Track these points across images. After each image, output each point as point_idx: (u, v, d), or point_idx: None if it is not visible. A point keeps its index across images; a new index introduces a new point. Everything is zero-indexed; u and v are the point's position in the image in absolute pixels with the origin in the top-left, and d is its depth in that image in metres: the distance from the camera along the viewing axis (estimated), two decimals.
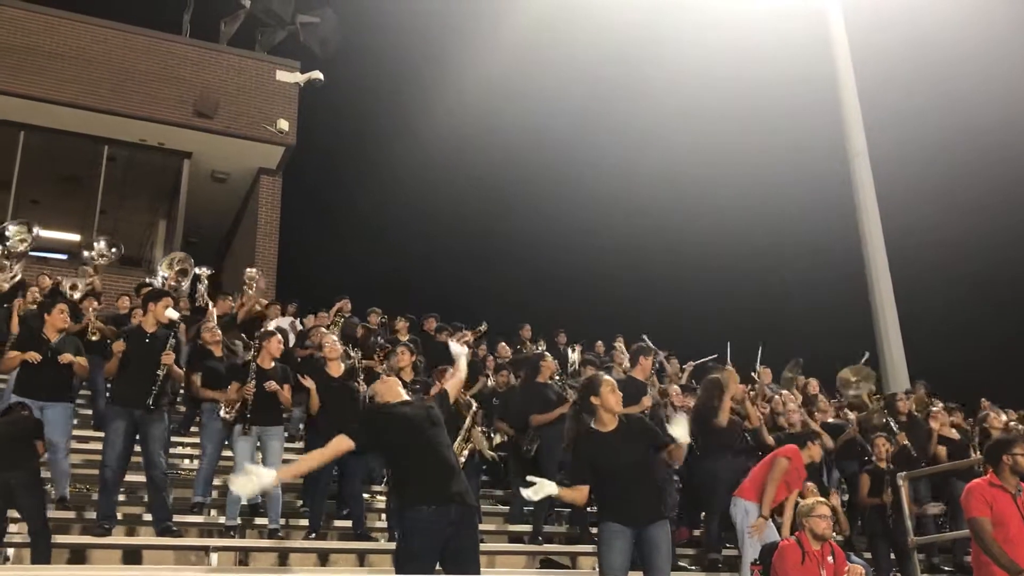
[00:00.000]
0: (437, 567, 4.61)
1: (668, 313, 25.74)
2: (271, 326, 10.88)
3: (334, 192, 28.68)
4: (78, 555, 6.84)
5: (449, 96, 26.87)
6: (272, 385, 7.50)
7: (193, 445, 9.69)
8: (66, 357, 7.30)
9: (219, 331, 8.81)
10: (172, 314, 7.23)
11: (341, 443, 4.86)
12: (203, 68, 17.10)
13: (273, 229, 17.43)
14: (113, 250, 11.77)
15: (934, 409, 10.09)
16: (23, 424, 6.69)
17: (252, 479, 4.60)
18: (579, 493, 5.34)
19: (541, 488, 5.09)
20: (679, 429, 5.43)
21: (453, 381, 5.60)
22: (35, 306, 10.09)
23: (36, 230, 11.46)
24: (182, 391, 9.25)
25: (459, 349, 5.76)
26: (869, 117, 16.02)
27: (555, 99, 28.73)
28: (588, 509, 8.52)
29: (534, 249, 29.16)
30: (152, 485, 6.97)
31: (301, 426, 10.44)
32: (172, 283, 11.14)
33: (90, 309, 9.74)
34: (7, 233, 11.34)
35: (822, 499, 6.50)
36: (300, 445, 10.00)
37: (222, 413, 7.69)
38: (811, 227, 25.63)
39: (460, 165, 28.29)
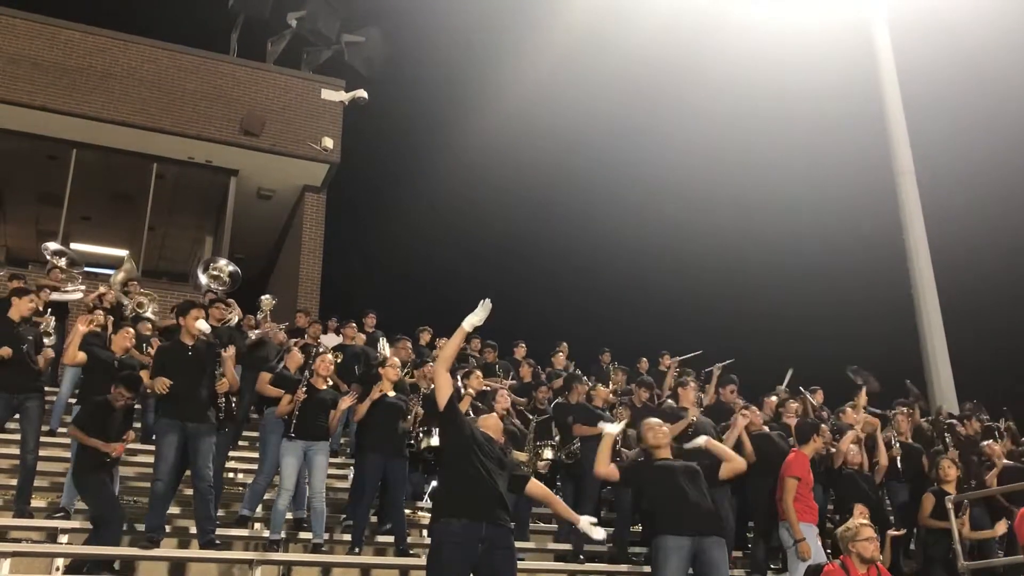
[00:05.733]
0: None
1: (708, 327, 25.54)
2: (326, 341, 11.18)
3: (377, 209, 28.93)
4: (127, 567, 6.96)
5: (491, 113, 27.03)
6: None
7: (238, 459, 9.83)
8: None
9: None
10: (203, 326, 7.24)
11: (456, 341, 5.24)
12: (250, 87, 17.38)
13: (317, 246, 17.62)
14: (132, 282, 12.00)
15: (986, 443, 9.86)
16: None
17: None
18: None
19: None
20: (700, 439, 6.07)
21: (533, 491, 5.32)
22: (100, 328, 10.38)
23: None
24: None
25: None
26: (916, 134, 15.81)
27: (596, 113, 28.79)
28: (630, 528, 8.55)
29: (577, 263, 29.17)
30: (199, 497, 7.03)
31: (342, 440, 10.61)
32: (212, 286, 11.48)
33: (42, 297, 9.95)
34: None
35: (865, 521, 6.38)
36: (341, 460, 10.13)
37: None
38: (857, 243, 25.33)
39: (503, 180, 28.41)
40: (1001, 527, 8.00)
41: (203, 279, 11.95)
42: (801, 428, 8.14)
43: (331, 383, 8.25)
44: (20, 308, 7.68)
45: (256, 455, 9.27)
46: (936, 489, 8.41)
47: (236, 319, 10.81)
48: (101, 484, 6.91)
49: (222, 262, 12.35)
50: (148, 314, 11.05)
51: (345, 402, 7.85)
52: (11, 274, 10.91)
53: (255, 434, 10.35)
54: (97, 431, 6.95)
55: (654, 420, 6.16)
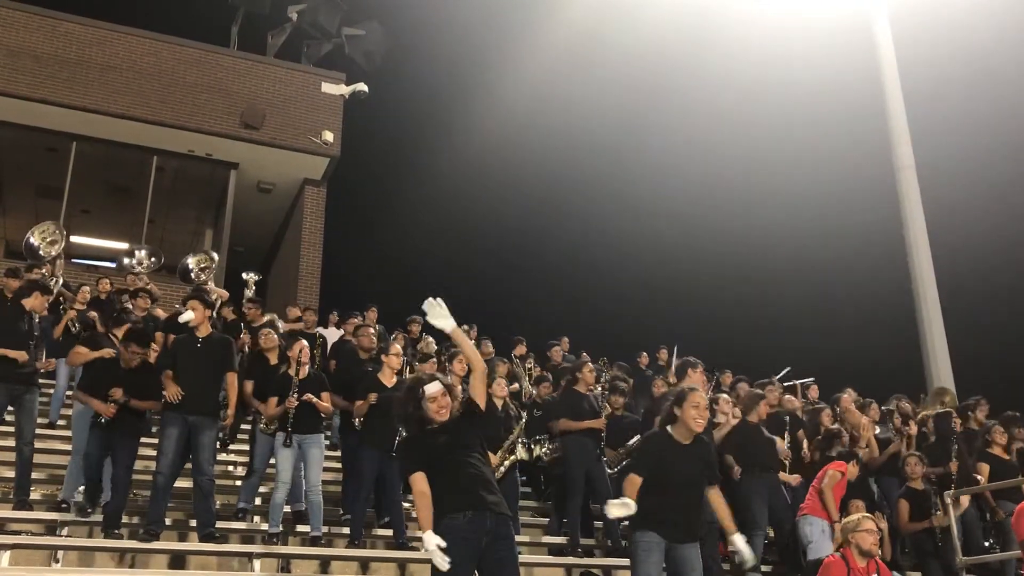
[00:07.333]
0: None
1: (709, 324, 25.57)
2: (327, 336, 11.18)
3: (377, 202, 28.92)
4: (126, 559, 6.97)
5: (492, 107, 27.01)
6: (310, 397, 7.64)
7: (238, 452, 9.84)
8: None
9: (275, 337, 8.71)
10: (185, 317, 7.33)
11: (420, 482, 4.66)
12: (250, 80, 17.35)
13: (317, 239, 17.60)
14: (153, 259, 12.01)
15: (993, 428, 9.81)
16: None
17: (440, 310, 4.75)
18: (631, 484, 5.36)
19: (624, 506, 5.13)
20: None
21: (475, 384, 4.93)
22: (84, 307, 10.40)
23: (63, 232, 11.76)
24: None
25: (444, 323, 4.87)
26: (917, 129, 15.77)
27: (597, 107, 28.76)
28: (622, 523, 8.54)
29: (577, 257, 29.17)
30: (199, 491, 7.07)
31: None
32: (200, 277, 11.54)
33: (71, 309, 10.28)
34: (32, 242, 11.60)
35: (867, 515, 6.41)
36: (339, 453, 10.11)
37: (260, 427, 7.88)
38: (857, 238, 25.32)
39: (503, 175, 28.41)
40: (937, 519, 8.09)
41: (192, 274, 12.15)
42: (843, 454, 8.27)
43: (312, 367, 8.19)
44: (35, 303, 7.70)
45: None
46: (905, 491, 8.51)
47: (219, 301, 10.84)
48: (94, 440, 7.13)
49: (190, 262, 12.39)
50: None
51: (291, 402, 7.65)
52: (29, 265, 10.88)
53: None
54: (101, 391, 7.10)
55: (701, 398, 5.48)
